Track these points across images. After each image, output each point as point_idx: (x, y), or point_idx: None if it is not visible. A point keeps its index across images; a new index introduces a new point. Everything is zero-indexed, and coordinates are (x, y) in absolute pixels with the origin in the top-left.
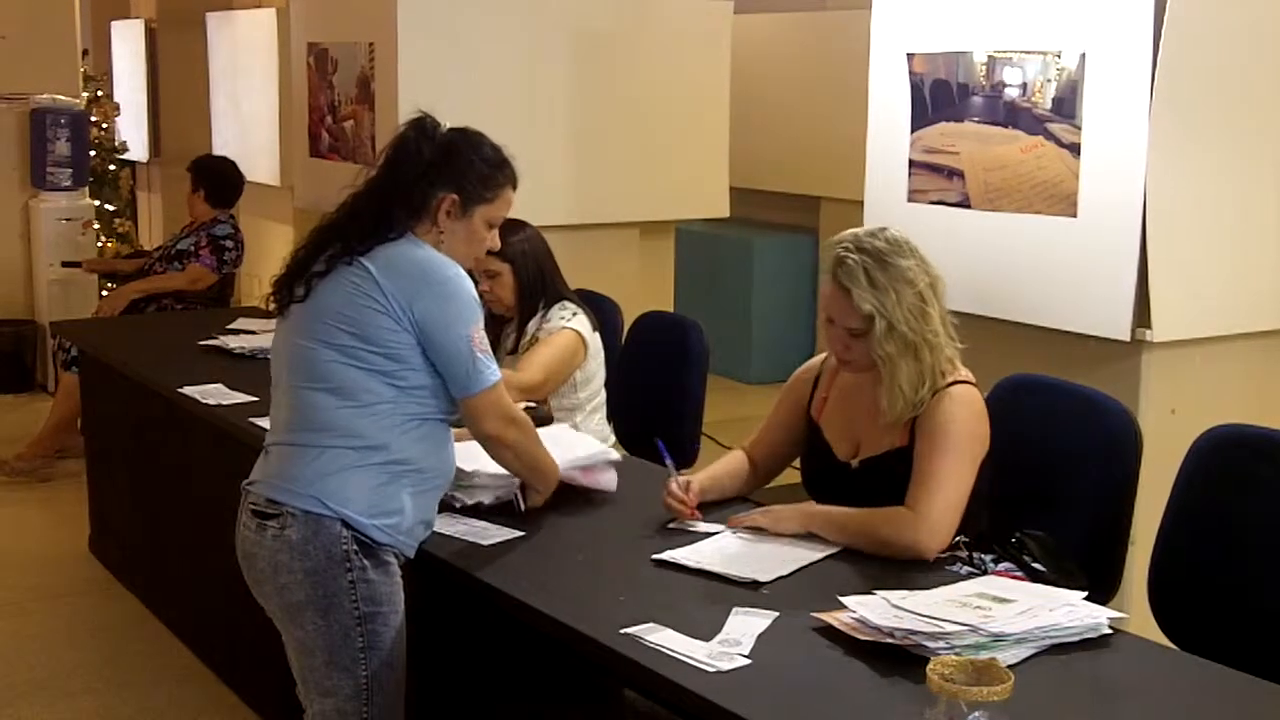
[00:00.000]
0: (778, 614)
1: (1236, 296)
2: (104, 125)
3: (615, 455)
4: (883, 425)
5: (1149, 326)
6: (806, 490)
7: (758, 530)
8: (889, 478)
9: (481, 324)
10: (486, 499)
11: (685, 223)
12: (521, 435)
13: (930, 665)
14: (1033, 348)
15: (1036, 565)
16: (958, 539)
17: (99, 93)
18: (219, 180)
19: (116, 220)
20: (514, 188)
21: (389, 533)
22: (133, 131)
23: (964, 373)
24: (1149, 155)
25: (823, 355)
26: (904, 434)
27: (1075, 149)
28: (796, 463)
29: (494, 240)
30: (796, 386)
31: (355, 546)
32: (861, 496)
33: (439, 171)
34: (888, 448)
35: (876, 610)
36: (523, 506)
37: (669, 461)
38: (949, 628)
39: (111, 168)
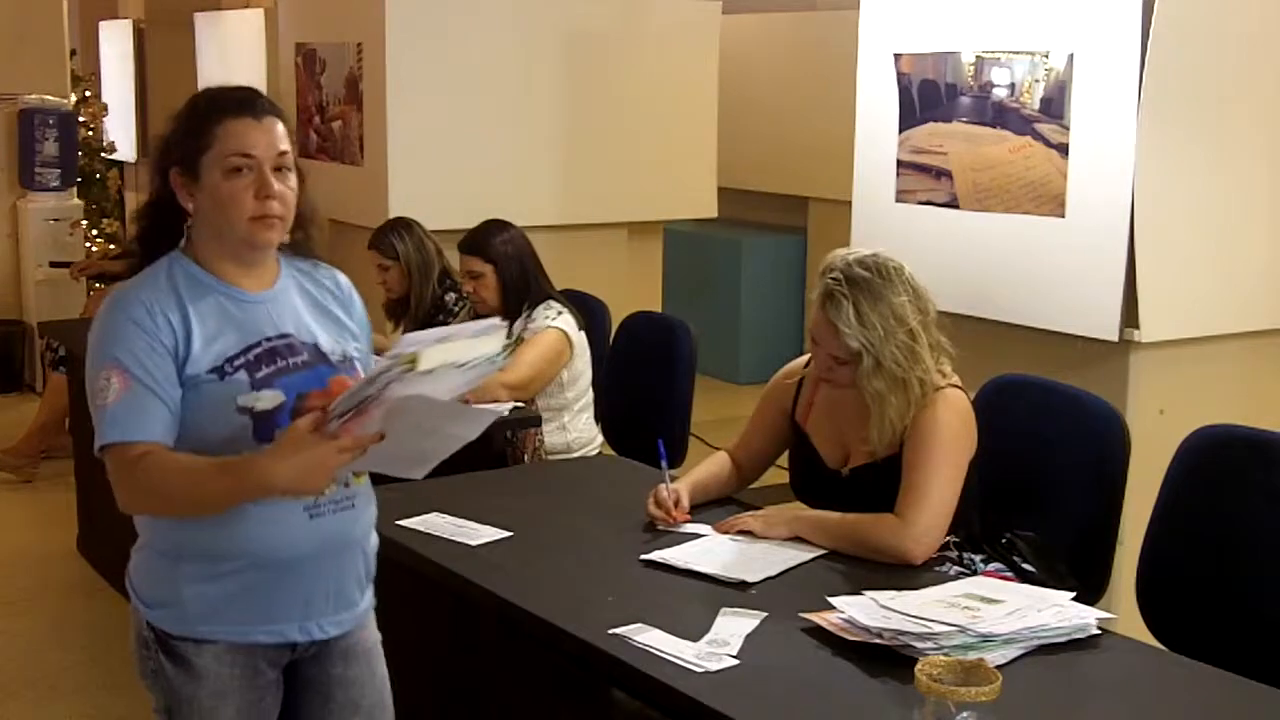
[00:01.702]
0: (766, 614)
1: (1224, 297)
2: (92, 126)
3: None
4: (867, 442)
5: (1137, 327)
6: (797, 496)
7: (746, 532)
8: (880, 485)
9: (123, 363)
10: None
11: (673, 223)
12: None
13: (918, 665)
14: (1021, 348)
15: (1026, 566)
16: (948, 539)
17: (87, 93)
18: None
19: (104, 220)
20: (241, 112)
21: (177, 624)
22: (121, 132)
23: (952, 377)
24: (1137, 156)
25: (805, 358)
26: (895, 442)
27: (1063, 149)
28: (782, 462)
29: (259, 183)
30: (779, 390)
31: (152, 634)
32: (853, 504)
33: (155, 163)
34: (878, 456)
35: (865, 610)
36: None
37: (665, 465)
38: (937, 628)
39: (99, 168)
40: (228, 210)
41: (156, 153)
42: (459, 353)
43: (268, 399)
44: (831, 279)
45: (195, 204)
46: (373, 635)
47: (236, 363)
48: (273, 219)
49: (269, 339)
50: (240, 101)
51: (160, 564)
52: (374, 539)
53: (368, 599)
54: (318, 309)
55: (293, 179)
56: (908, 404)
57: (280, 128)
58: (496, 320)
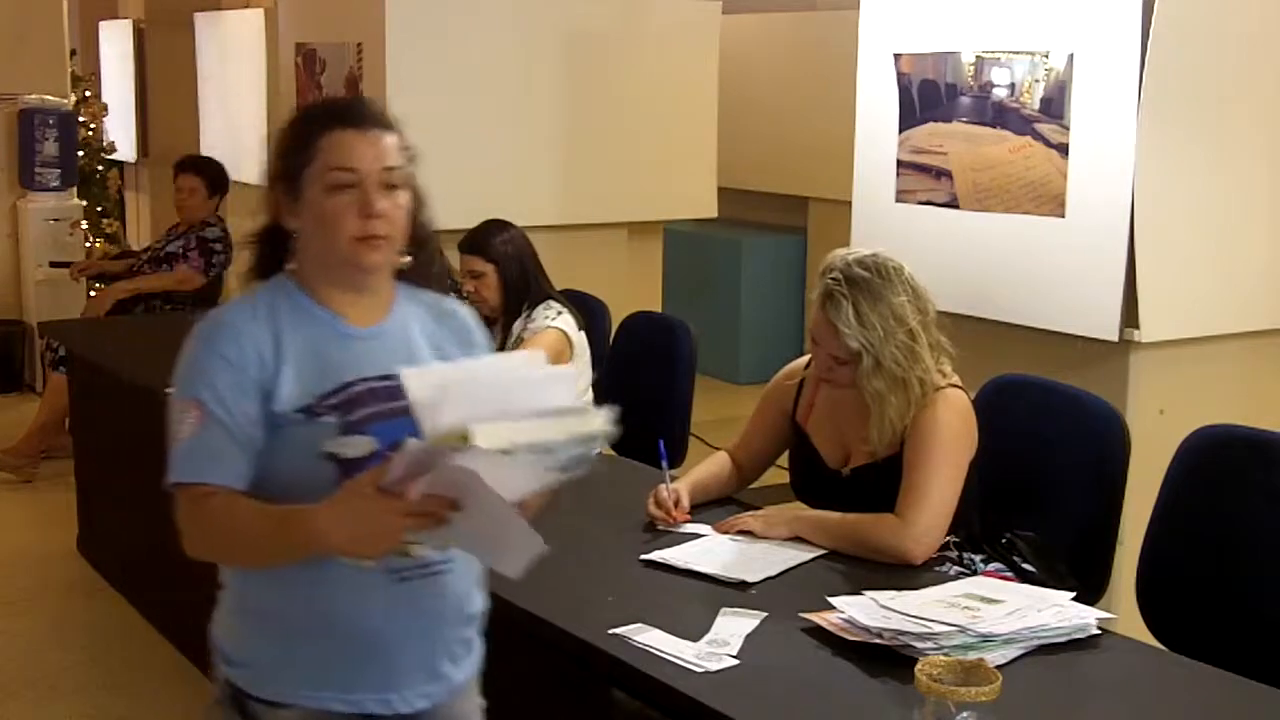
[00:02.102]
0: (766, 614)
1: (1224, 297)
2: (92, 126)
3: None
4: (869, 445)
5: (1137, 327)
6: (797, 496)
7: (746, 532)
8: (881, 486)
9: (202, 399)
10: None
11: (673, 223)
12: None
13: (918, 665)
14: (1021, 348)
15: (1026, 566)
16: (948, 539)
17: (87, 93)
18: (215, 168)
19: (104, 220)
20: (344, 122)
21: (254, 684)
22: (121, 132)
23: (952, 377)
24: (1137, 155)
25: (805, 359)
26: (895, 443)
27: (1063, 149)
28: (782, 462)
29: (362, 200)
30: (779, 391)
31: (229, 691)
32: (854, 504)
33: (266, 186)
34: (878, 456)
35: (865, 610)
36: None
37: (665, 465)
38: (937, 628)
39: (100, 168)
40: (329, 229)
41: (265, 171)
42: (539, 432)
43: (357, 446)
44: (831, 279)
45: (298, 223)
46: (469, 707)
47: (328, 403)
48: (377, 240)
49: (368, 379)
50: (343, 111)
51: (239, 621)
52: (478, 601)
53: (466, 669)
54: (435, 349)
55: (403, 197)
56: (908, 404)
57: (388, 140)
58: (567, 369)
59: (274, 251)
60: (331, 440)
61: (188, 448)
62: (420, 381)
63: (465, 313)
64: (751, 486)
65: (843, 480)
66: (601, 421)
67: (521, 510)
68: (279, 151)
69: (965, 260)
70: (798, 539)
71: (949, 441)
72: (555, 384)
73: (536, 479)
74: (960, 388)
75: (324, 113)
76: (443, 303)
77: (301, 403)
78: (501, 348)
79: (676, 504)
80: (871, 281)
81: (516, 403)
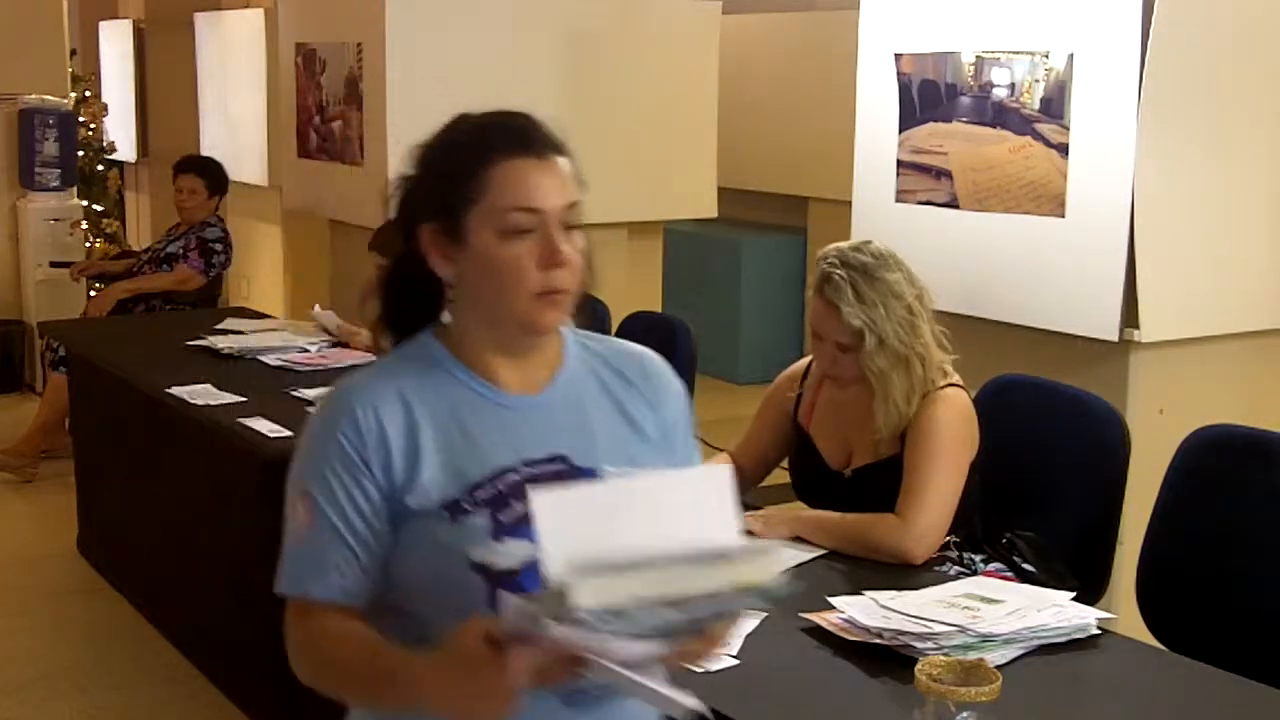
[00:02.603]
0: (766, 614)
1: (1224, 297)
2: (92, 125)
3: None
4: (874, 440)
5: (1137, 327)
6: (799, 497)
7: (747, 532)
8: (883, 486)
9: (313, 493)
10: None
11: (673, 223)
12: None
13: (918, 666)
14: (1021, 348)
15: (1026, 566)
16: (948, 539)
17: (87, 93)
18: (215, 169)
19: (104, 220)
20: (521, 148)
21: None
22: (121, 132)
23: (953, 376)
24: (1137, 155)
25: (807, 360)
26: (896, 442)
27: (1063, 149)
28: (784, 463)
29: (546, 247)
30: (781, 392)
31: None
32: (856, 505)
33: (398, 215)
34: (880, 456)
35: (865, 610)
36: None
37: None
38: (937, 628)
39: (100, 168)
40: (503, 283)
41: (398, 200)
42: (677, 583)
43: (512, 553)
44: (828, 264)
45: (457, 272)
46: None
47: (478, 496)
48: (560, 295)
49: (530, 463)
50: (518, 134)
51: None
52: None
53: None
54: (615, 413)
55: (580, 239)
56: (911, 385)
57: (567, 169)
58: (721, 467)
59: (413, 302)
60: (481, 546)
61: (294, 554)
62: (549, 509)
63: (652, 359)
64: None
65: (845, 481)
66: (769, 570)
67: (665, 660)
68: (431, 179)
69: (965, 260)
70: (798, 539)
71: (950, 441)
72: (721, 514)
73: (663, 640)
74: (961, 387)
75: (494, 134)
76: (623, 350)
77: (445, 497)
78: None
79: None
80: (867, 263)
81: (662, 537)
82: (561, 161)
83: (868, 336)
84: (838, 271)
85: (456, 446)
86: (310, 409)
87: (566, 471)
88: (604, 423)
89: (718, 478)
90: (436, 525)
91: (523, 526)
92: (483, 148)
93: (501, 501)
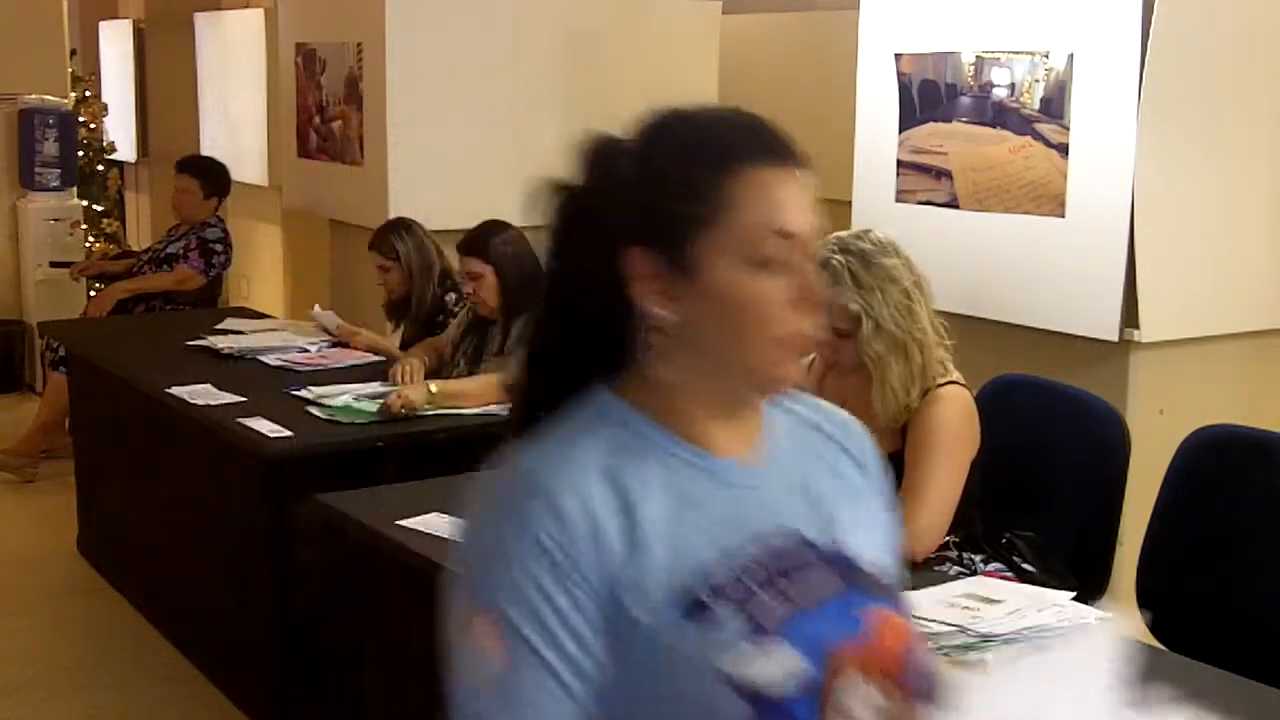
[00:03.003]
0: None
1: (1224, 297)
2: (92, 125)
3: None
4: (876, 430)
5: (1137, 327)
6: None
7: None
8: None
9: (507, 616)
10: None
11: None
12: None
13: None
14: (1021, 348)
15: (1026, 566)
16: (948, 539)
17: (87, 93)
18: (214, 169)
19: (104, 220)
20: (769, 156)
21: None
22: (121, 132)
23: (954, 374)
24: (1137, 155)
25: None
26: (897, 439)
27: (1063, 149)
28: None
29: (801, 283)
30: None
31: None
32: None
33: (589, 231)
34: (882, 452)
35: None
36: None
37: None
38: (937, 628)
39: (100, 168)
40: (746, 327)
41: (579, 211)
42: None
43: (773, 663)
44: (827, 250)
45: (675, 312)
46: None
47: (718, 591)
48: (809, 345)
49: (771, 544)
50: (760, 136)
51: None
52: None
53: None
54: (829, 475)
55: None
56: (910, 373)
57: (812, 183)
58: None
59: (593, 349)
60: (732, 655)
61: (481, 700)
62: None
63: (847, 415)
64: None
65: None
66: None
67: None
68: (632, 189)
69: (965, 260)
70: None
71: (950, 439)
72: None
73: None
74: (963, 385)
75: (733, 136)
76: (818, 405)
77: (679, 596)
78: (501, 348)
79: None
80: (865, 249)
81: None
82: (808, 175)
83: (865, 320)
84: (836, 257)
85: (687, 534)
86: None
87: (803, 550)
88: (827, 489)
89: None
90: (671, 635)
91: (778, 625)
92: (720, 153)
93: (746, 595)
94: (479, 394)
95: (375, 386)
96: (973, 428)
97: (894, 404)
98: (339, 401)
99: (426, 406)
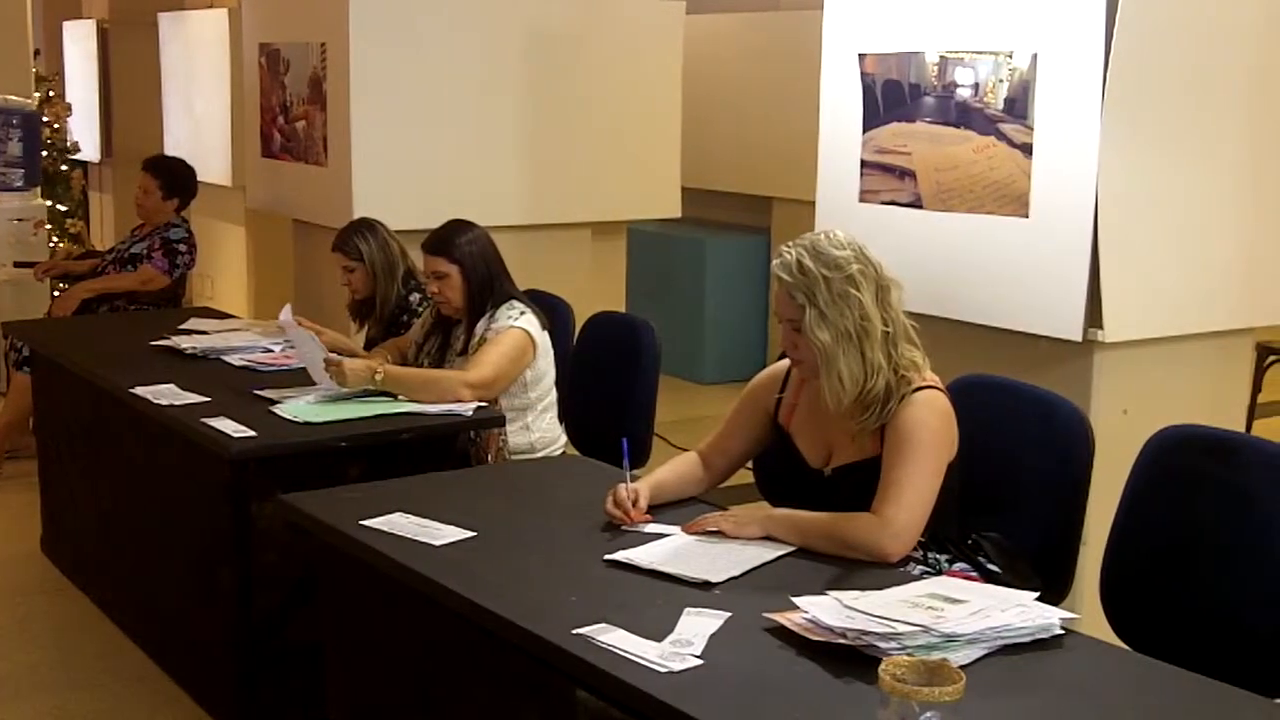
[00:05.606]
0: (730, 614)
1: (1188, 297)
2: (56, 125)
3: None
4: (854, 432)
5: (1101, 327)
6: (765, 496)
7: (717, 532)
8: (862, 485)
9: None
10: None
11: (637, 223)
12: None
13: (882, 665)
14: (985, 348)
15: (991, 566)
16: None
17: (51, 93)
18: (176, 170)
19: (68, 220)
20: None
21: None
22: (85, 132)
23: (931, 377)
24: (1101, 155)
25: (787, 361)
26: (875, 441)
27: (1027, 149)
28: (748, 464)
29: None
30: (760, 391)
31: None
32: (834, 503)
33: None
34: (861, 456)
35: (829, 610)
36: None
37: (627, 464)
38: (901, 628)
39: (64, 168)
40: None
41: None
42: None
43: None
44: (784, 245)
45: None
46: None
47: None
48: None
49: None
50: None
51: None
52: None
53: None
54: None
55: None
56: (861, 368)
57: None
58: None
59: None
60: None
61: None
62: None
63: None
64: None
65: (825, 480)
66: None
67: None
68: None
69: (929, 260)
70: (768, 538)
71: (928, 441)
72: None
73: None
74: (941, 389)
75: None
76: None
77: None
78: (464, 348)
79: (635, 503)
80: (817, 240)
81: None
82: None
83: (808, 310)
84: (789, 249)
85: None
86: (272, 409)
87: None
88: None
89: None
90: None
91: None
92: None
93: None
94: (422, 387)
95: (330, 388)
96: (950, 431)
97: (842, 395)
98: (289, 411)
99: (370, 385)
